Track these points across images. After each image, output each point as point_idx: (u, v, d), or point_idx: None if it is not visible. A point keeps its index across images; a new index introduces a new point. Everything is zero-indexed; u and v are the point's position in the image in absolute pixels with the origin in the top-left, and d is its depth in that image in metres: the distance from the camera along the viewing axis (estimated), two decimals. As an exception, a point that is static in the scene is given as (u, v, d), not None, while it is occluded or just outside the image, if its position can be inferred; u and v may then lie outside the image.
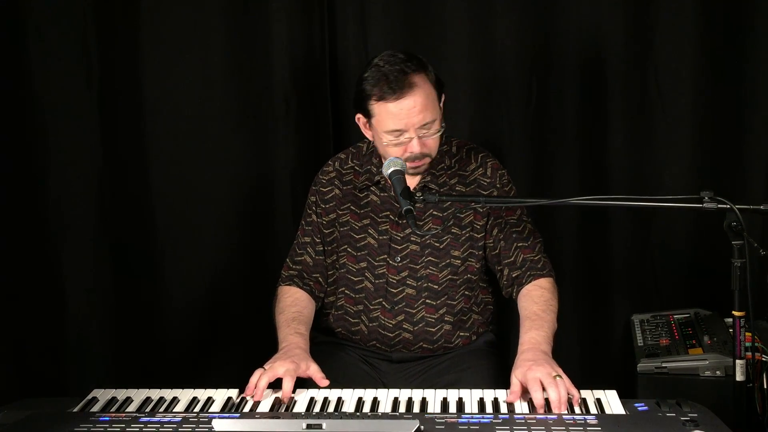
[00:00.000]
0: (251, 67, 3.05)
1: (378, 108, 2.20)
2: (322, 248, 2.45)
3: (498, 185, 2.37)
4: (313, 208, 2.45)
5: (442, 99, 2.29)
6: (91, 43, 2.98)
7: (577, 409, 1.93)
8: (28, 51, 2.96)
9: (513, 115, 3.05)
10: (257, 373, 2.08)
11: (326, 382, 2.10)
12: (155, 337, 3.13)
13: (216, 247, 3.13)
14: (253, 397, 2.05)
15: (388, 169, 2.16)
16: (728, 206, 1.94)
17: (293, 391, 2.06)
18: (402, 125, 2.19)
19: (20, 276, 3.00)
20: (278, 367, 2.08)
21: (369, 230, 2.38)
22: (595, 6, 2.96)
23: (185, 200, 3.10)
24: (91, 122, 3.02)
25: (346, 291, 2.41)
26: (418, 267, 2.35)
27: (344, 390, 2.08)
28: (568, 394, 1.97)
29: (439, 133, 2.25)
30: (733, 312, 1.97)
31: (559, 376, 1.99)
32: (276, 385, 2.08)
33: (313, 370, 2.12)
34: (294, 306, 2.37)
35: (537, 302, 2.28)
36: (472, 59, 3.01)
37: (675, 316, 2.73)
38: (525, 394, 2.01)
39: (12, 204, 2.98)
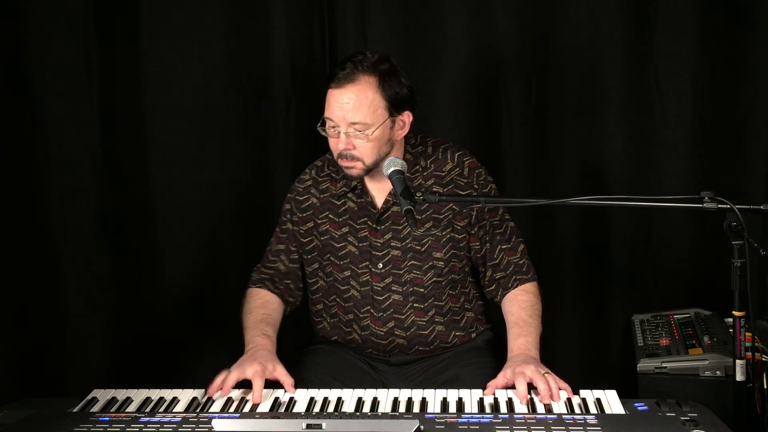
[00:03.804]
0: (252, 67, 3.05)
1: (327, 93, 2.22)
2: (297, 257, 2.43)
3: (476, 185, 2.35)
4: (288, 216, 2.43)
5: (399, 117, 2.24)
6: (91, 43, 2.98)
7: (577, 409, 1.93)
8: (28, 51, 2.96)
9: (513, 114, 3.05)
10: (223, 373, 2.08)
11: (293, 390, 2.08)
12: (156, 337, 3.13)
13: (216, 247, 3.13)
14: (220, 394, 2.04)
15: (388, 169, 2.15)
16: (728, 206, 1.94)
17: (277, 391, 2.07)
18: (333, 116, 2.20)
19: (20, 276, 3.00)
20: (246, 368, 2.08)
21: (349, 238, 2.35)
22: (595, 5, 2.96)
23: (185, 200, 3.10)
24: (91, 122, 3.02)
25: (337, 299, 2.39)
26: (401, 272, 2.33)
27: (344, 390, 2.08)
28: (561, 389, 2.00)
29: (372, 143, 2.20)
30: (733, 312, 1.97)
31: (548, 373, 2.04)
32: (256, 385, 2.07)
33: (280, 373, 2.11)
34: (262, 308, 2.36)
35: (524, 308, 2.29)
36: (472, 59, 3.01)
37: (675, 316, 2.73)
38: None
39: (12, 204, 2.98)
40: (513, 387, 2.03)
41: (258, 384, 2.05)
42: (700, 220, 2.85)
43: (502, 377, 2.07)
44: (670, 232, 3.06)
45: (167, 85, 3.03)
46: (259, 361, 2.12)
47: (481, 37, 3.01)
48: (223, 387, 2.05)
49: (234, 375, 2.06)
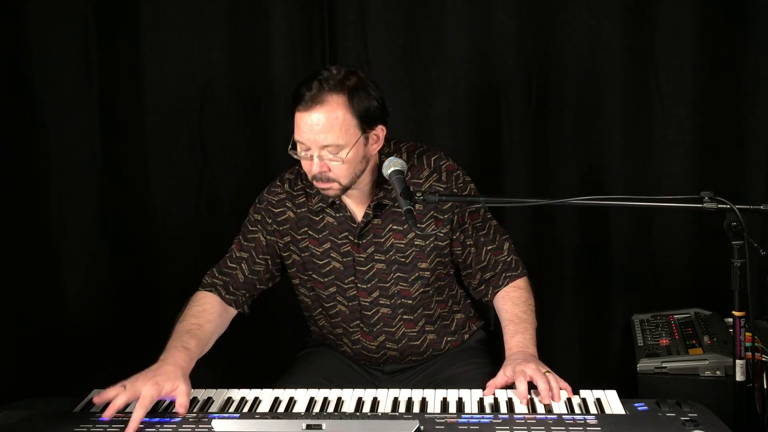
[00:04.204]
0: (251, 67, 3.05)
1: (295, 115, 2.13)
2: (261, 269, 2.32)
3: (455, 189, 2.27)
4: (259, 226, 2.32)
5: (372, 132, 2.13)
6: (91, 43, 2.99)
7: (577, 409, 1.93)
8: (28, 51, 2.96)
9: (513, 114, 3.05)
10: (119, 390, 1.94)
11: (182, 411, 1.95)
12: (156, 337, 3.12)
13: (215, 248, 3.11)
14: (105, 413, 1.91)
15: (387, 169, 2.12)
16: (728, 206, 1.94)
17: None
18: (304, 139, 2.10)
19: (20, 276, 3.00)
20: (140, 387, 1.94)
21: (331, 254, 2.28)
22: (595, 6, 2.96)
23: (185, 201, 3.10)
24: (91, 122, 3.03)
25: (323, 312, 2.36)
26: (388, 285, 2.28)
27: (344, 390, 2.08)
28: (561, 388, 1.99)
29: (347, 165, 2.11)
30: (733, 312, 1.97)
31: (549, 372, 2.02)
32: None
33: (178, 393, 1.97)
34: (196, 317, 2.22)
35: (517, 304, 2.26)
36: (472, 58, 3.02)
37: (675, 316, 2.73)
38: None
39: (12, 204, 2.98)
40: (513, 386, 2.03)
41: (138, 413, 1.88)
42: (700, 220, 2.85)
43: (503, 376, 2.05)
44: (670, 232, 3.06)
45: (167, 85, 3.03)
46: (156, 380, 1.96)
47: (481, 37, 3.01)
48: (109, 409, 1.91)
49: (124, 398, 1.92)
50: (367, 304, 2.30)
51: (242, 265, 2.33)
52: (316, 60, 3.03)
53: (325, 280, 2.30)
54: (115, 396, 1.92)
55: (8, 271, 2.97)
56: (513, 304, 2.27)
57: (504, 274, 2.32)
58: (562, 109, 3.03)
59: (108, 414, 1.90)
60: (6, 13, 2.92)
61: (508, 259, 2.33)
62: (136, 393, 1.93)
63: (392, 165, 2.12)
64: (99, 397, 1.95)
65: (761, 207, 1.95)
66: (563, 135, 3.05)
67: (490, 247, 2.32)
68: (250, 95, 3.07)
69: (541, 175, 3.07)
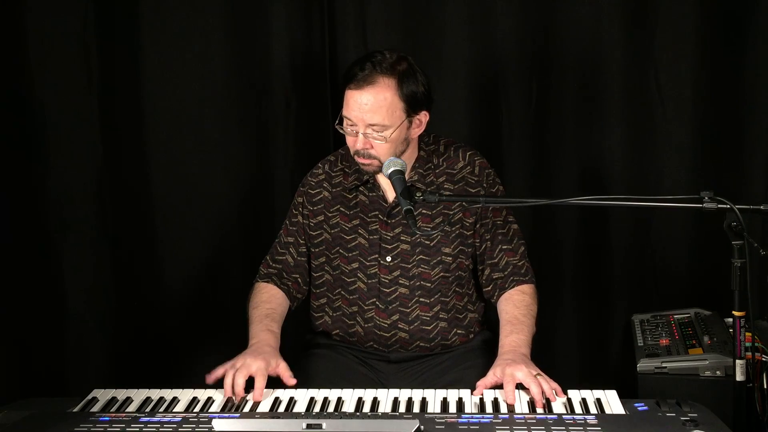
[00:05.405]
0: (251, 66, 3.05)
1: (346, 92, 2.25)
2: (305, 250, 2.45)
3: (485, 184, 2.38)
4: (300, 209, 2.45)
5: (416, 117, 2.27)
6: (91, 43, 2.99)
7: (577, 409, 1.93)
8: (28, 51, 2.96)
9: (513, 114, 3.05)
10: (229, 373, 2.08)
11: (293, 381, 2.12)
12: (156, 337, 3.13)
13: (216, 247, 3.13)
14: (235, 397, 2.05)
15: (388, 169, 2.17)
16: (728, 206, 1.94)
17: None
18: (352, 116, 2.22)
19: (20, 276, 3.00)
20: (251, 365, 2.10)
21: (359, 230, 2.38)
22: (595, 5, 2.96)
23: (185, 200, 3.10)
24: (91, 122, 3.03)
25: (342, 292, 2.40)
26: (409, 266, 2.36)
27: (344, 390, 2.08)
28: (555, 391, 2.00)
29: (390, 144, 2.23)
30: (733, 312, 1.97)
31: (540, 375, 2.04)
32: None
33: (282, 368, 2.14)
34: (268, 302, 2.38)
35: (518, 306, 2.30)
36: (472, 59, 3.01)
37: (675, 316, 2.73)
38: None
39: (12, 204, 2.98)
40: (502, 386, 2.04)
41: (260, 382, 2.07)
42: (700, 220, 2.84)
43: (492, 375, 2.07)
44: (670, 233, 3.06)
45: (167, 85, 3.03)
46: (262, 357, 2.13)
47: (481, 37, 3.01)
48: (236, 390, 2.05)
49: (241, 377, 2.07)
50: (386, 281, 2.36)
51: (290, 249, 2.46)
52: (316, 60, 3.03)
53: (350, 255, 2.38)
54: (233, 380, 2.06)
55: (9, 271, 2.97)
56: (514, 306, 2.31)
57: (512, 278, 2.36)
58: (563, 109, 3.03)
59: (240, 395, 2.05)
60: (6, 13, 2.92)
61: (519, 263, 2.38)
62: (248, 369, 2.09)
63: (392, 165, 2.17)
64: (210, 377, 2.12)
65: (761, 207, 1.96)
66: (563, 135, 3.05)
67: (504, 247, 2.38)
68: (250, 95, 3.06)
69: (541, 175, 3.07)
